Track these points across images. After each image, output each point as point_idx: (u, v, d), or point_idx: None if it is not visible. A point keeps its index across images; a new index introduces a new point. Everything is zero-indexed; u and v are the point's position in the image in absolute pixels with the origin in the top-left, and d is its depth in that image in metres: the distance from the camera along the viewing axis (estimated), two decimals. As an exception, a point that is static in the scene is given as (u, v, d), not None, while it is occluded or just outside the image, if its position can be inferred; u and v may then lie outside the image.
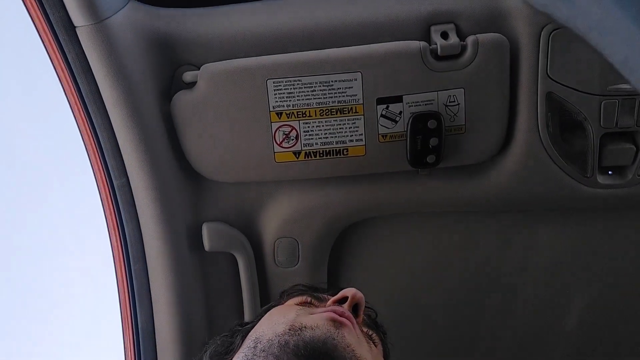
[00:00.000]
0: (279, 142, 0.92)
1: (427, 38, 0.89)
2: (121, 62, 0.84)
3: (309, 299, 0.84)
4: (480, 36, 0.87)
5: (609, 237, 1.03)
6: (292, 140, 0.92)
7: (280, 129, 0.91)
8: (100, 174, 0.92)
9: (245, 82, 0.89)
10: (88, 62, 0.84)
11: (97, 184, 0.94)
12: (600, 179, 0.92)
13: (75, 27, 0.81)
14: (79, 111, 0.88)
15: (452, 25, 0.88)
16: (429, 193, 0.96)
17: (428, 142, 0.90)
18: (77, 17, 0.80)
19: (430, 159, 0.91)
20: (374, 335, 0.82)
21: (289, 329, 0.71)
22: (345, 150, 0.92)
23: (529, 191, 0.94)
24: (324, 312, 0.75)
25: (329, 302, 0.79)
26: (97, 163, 0.92)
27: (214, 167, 0.94)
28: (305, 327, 0.71)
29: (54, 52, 0.83)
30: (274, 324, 0.74)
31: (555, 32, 0.85)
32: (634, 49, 0.35)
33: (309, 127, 0.91)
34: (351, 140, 0.91)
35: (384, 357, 0.83)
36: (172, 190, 0.94)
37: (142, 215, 0.94)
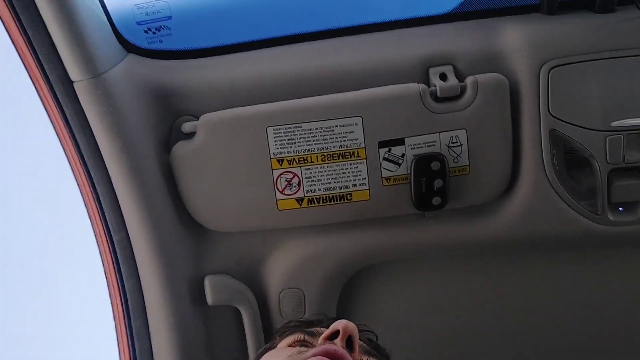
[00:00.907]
0: (281, 190, 0.90)
1: (426, 80, 0.89)
2: (119, 115, 0.84)
3: (301, 337, 0.80)
4: (479, 76, 0.87)
5: (623, 274, 1.00)
6: (295, 187, 0.90)
7: (281, 175, 0.90)
8: (99, 228, 0.91)
9: (245, 130, 0.88)
10: (86, 117, 0.83)
11: (96, 238, 0.92)
12: (611, 215, 0.90)
13: (72, 81, 0.81)
14: (77, 165, 0.87)
15: (450, 67, 0.89)
16: (436, 236, 0.94)
17: (433, 184, 0.88)
18: (74, 71, 0.80)
19: (436, 201, 0.89)
20: None
21: None
22: (349, 195, 0.90)
23: (538, 230, 0.92)
24: (315, 353, 0.71)
25: (320, 340, 0.75)
26: (96, 217, 0.90)
27: (215, 217, 0.93)
28: None
29: (51, 107, 0.83)
30: None
31: (554, 69, 0.86)
32: None
33: (311, 173, 0.90)
34: (354, 185, 0.90)
35: None
36: (173, 243, 0.92)
37: (142, 270, 0.92)
